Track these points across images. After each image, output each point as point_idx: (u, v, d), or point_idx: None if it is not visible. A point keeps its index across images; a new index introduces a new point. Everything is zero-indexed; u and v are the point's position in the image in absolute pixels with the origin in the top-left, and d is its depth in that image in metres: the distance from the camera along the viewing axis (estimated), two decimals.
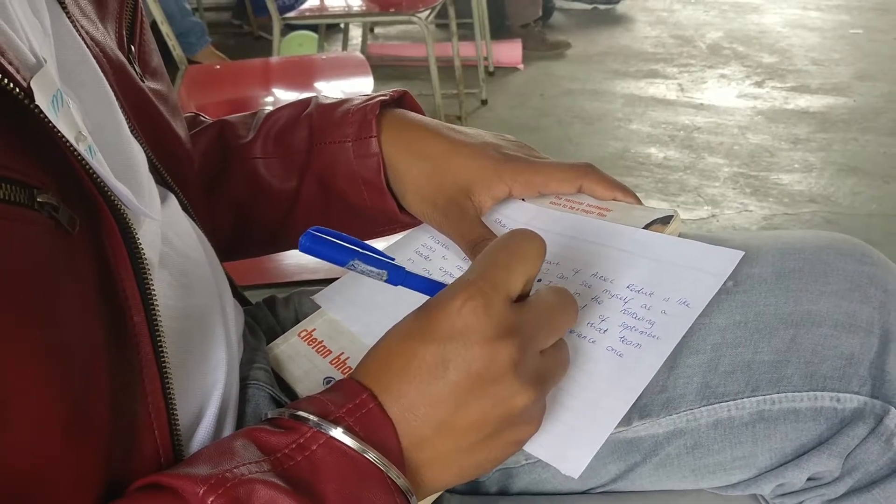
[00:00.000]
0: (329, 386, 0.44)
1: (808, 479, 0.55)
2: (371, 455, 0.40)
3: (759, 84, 3.31)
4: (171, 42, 1.85)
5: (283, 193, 0.68)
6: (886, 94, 3.16)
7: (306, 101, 0.70)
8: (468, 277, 0.42)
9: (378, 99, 0.65)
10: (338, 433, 0.40)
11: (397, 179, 0.65)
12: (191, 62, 3.03)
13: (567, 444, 0.46)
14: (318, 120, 0.67)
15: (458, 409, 0.41)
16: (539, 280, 0.55)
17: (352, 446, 0.40)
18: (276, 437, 0.40)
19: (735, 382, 0.54)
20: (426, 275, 0.55)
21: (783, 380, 0.53)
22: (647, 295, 0.54)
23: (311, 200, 0.68)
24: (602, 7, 4.35)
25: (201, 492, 0.37)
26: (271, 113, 0.71)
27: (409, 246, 0.67)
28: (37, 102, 0.36)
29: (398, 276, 0.44)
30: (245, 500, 0.37)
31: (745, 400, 0.54)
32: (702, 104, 3.12)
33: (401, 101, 0.68)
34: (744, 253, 0.54)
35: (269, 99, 1.87)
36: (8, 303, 0.34)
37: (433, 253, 0.66)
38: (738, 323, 0.55)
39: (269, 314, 0.68)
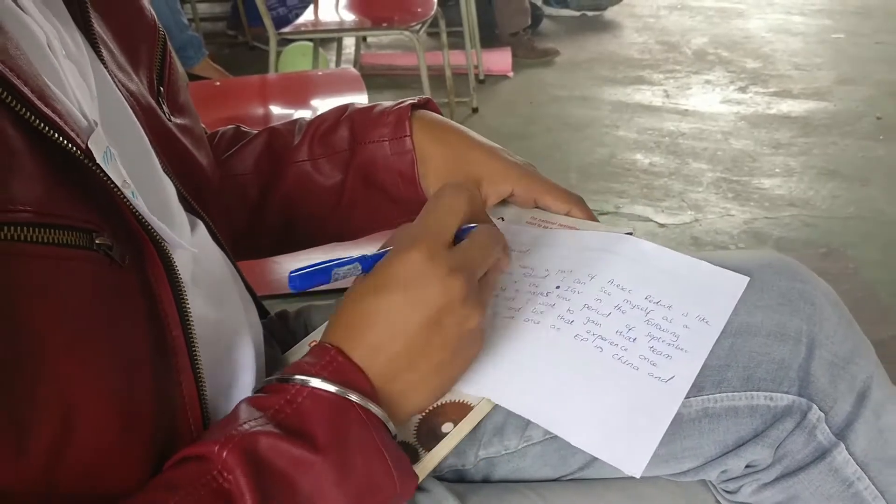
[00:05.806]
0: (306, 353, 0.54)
1: (746, 467, 0.63)
2: (350, 395, 0.50)
3: (742, 89, 3.39)
4: None
5: (330, 188, 0.79)
6: (866, 98, 3.23)
7: (343, 107, 0.81)
8: (411, 234, 0.53)
9: (408, 103, 0.77)
10: (317, 383, 0.50)
11: (423, 163, 0.76)
12: (189, 75, 3.11)
13: (628, 447, 0.54)
14: (357, 122, 0.78)
15: (426, 342, 0.52)
16: (558, 287, 0.63)
17: (331, 390, 0.50)
18: (269, 399, 0.50)
19: None
20: None
21: (724, 382, 0.62)
22: (667, 308, 0.58)
23: (355, 193, 0.79)
24: (590, 14, 4.42)
25: (216, 448, 0.46)
26: (313, 119, 0.82)
27: None
28: (98, 161, 0.45)
29: (367, 263, 0.54)
30: (252, 448, 0.46)
31: (692, 399, 0.62)
32: (686, 110, 3.19)
33: (425, 105, 0.79)
34: (749, 279, 0.60)
35: (276, 112, 1.94)
36: (75, 327, 0.43)
37: None
38: None
39: (281, 327, 0.76)
